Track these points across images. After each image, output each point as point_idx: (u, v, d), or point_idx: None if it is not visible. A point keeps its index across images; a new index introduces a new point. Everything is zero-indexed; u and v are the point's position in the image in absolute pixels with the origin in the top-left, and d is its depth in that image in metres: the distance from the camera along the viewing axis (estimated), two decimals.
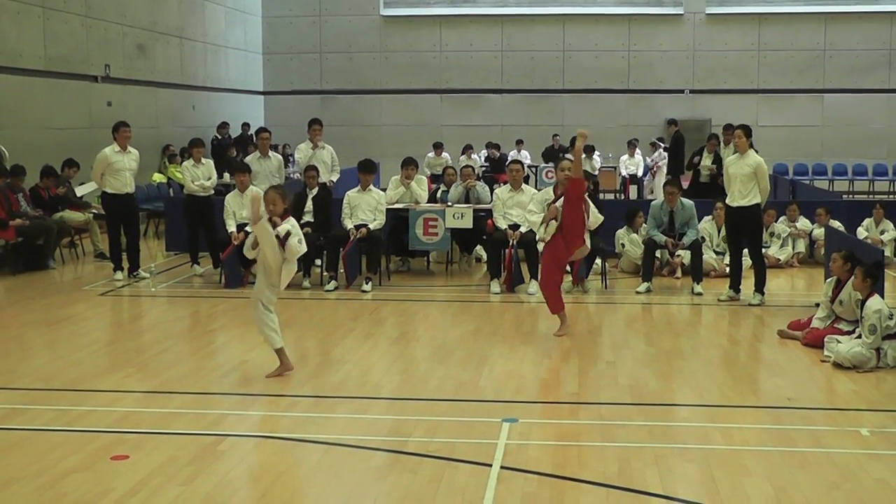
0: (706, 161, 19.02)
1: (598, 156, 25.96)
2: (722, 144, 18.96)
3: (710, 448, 7.29)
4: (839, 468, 6.82)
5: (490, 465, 6.84)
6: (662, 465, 6.87)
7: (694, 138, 22.60)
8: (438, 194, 16.22)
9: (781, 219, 16.29)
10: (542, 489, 6.45)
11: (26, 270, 15.35)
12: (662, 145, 24.86)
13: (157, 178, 22.35)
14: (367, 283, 13.85)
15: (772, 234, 15.89)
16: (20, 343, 10.96)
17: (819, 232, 15.87)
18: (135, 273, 14.73)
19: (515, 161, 14.99)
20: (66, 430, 7.73)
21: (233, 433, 7.64)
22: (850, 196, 26.81)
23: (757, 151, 13.13)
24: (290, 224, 9.05)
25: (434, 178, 24.60)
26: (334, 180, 15.94)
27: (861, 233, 15.87)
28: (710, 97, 30.21)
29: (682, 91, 30.40)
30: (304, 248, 9.10)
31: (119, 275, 14.63)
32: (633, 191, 25.73)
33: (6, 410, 8.28)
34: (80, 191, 17.36)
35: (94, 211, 16.84)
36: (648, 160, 25.79)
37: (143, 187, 20.38)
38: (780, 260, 15.73)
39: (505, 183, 14.96)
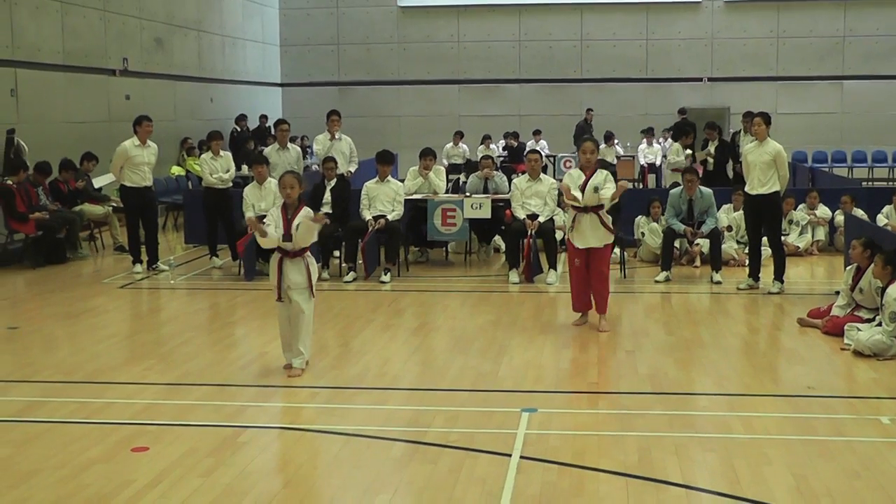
0: (710, 148, 18.95)
1: (618, 144, 25.95)
2: (742, 132, 18.89)
3: (730, 437, 7.28)
4: (860, 457, 6.79)
5: (510, 455, 6.84)
6: (682, 454, 6.86)
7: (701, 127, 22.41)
8: (459, 184, 16.19)
9: (801, 206, 16.22)
10: (562, 478, 6.45)
11: (47, 264, 15.41)
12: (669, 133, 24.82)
13: (176, 170, 22.39)
14: (385, 274, 13.86)
15: (790, 222, 15.82)
16: (41, 336, 11.00)
17: (841, 219, 15.80)
18: (154, 266, 14.78)
19: (533, 151, 14.95)
20: (87, 422, 7.76)
21: (253, 424, 7.67)
22: (870, 183, 26.68)
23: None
24: (301, 216, 8.98)
25: (452, 168, 24.63)
26: (352, 171, 15.95)
27: (881, 220, 15.75)
28: (728, 85, 30.08)
29: (700, 79, 30.26)
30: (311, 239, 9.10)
31: (138, 267, 14.67)
32: (651, 180, 25.66)
33: (27, 403, 8.33)
34: (97, 182, 17.40)
35: (113, 204, 16.89)
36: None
37: (161, 180, 20.43)
38: (799, 248, 15.66)
39: (523, 173, 14.93)
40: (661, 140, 26.20)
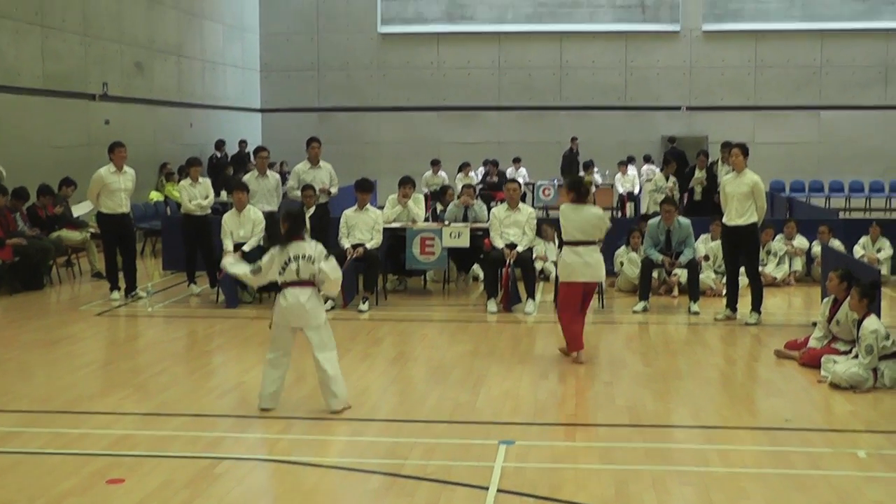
0: (698, 174, 19.05)
1: (597, 172, 26.02)
2: (720, 162, 19.01)
3: (707, 470, 7.29)
4: (836, 491, 6.81)
5: (487, 489, 6.83)
6: (660, 487, 6.86)
7: (690, 155, 22.56)
8: (438, 212, 16.20)
9: (778, 237, 16.28)
10: None
11: (24, 290, 15.31)
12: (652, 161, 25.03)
13: (155, 196, 22.31)
14: (364, 303, 13.84)
15: (768, 253, 15.89)
16: (17, 364, 10.93)
17: (818, 250, 15.88)
18: (132, 293, 14.72)
19: (512, 180, 14.98)
20: (62, 452, 7.71)
21: (229, 455, 7.63)
22: (847, 213, 26.83)
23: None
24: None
25: (432, 196, 24.61)
26: (334, 192, 15.84)
27: (857, 251, 15.87)
28: (706, 114, 30.27)
29: (678, 108, 30.45)
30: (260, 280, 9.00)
31: (116, 294, 14.61)
32: (630, 208, 25.72)
33: (2, 433, 8.26)
34: (75, 211, 17.33)
35: (91, 230, 16.82)
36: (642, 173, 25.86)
37: (140, 206, 20.37)
38: (776, 278, 15.73)
39: (502, 201, 14.96)
40: (634, 167, 26.24)
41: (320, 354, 8.79)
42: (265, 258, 8.76)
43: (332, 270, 8.71)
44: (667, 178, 19.17)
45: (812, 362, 10.28)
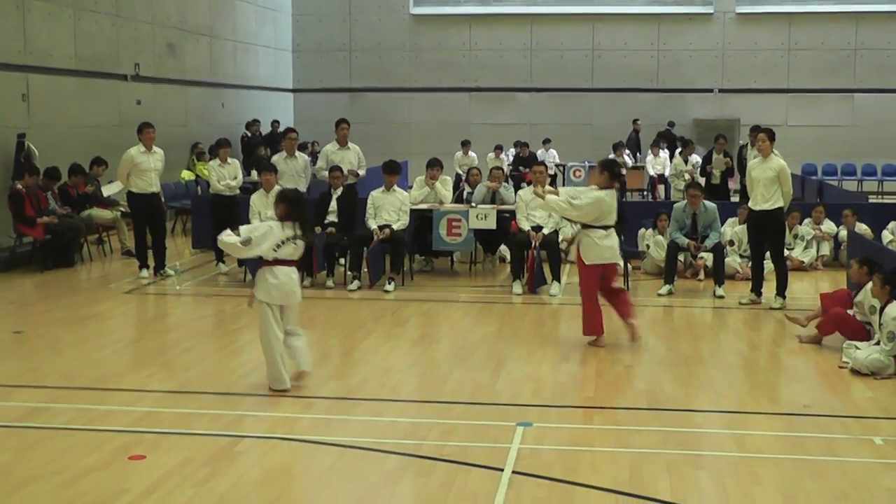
0: (716, 157, 19.05)
1: (628, 154, 25.96)
2: (748, 146, 18.98)
3: (722, 455, 7.33)
4: (850, 477, 6.84)
5: (502, 470, 6.90)
6: (674, 471, 6.90)
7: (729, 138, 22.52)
8: (464, 195, 16.26)
9: (806, 221, 16.22)
10: (553, 495, 6.50)
11: (55, 267, 15.52)
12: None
13: (186, 175, 22.51)
14: (390, 284, 13.93)
15: (795, 236, 15.84)
16: (46, 340, 11.11)
17: (845, 234, 15.81)
18: (160, 271, 14.87)
19: (540, 163, 15.00)
20: (87, 428, 7.86)
21: (250, 434, 7.74)
22: (880, 197, 26.64)
23: (776, 154, 13.12)
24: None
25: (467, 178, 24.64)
26: (361, 174, 15.91)
27: (886, 236, 15.75)
28: (739, 96, 30.08)
29: (711, 90, 30.29)
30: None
31: (145, 273, 14.78)
32: (661, 190, 25.64)
33: (30, 409, 8.42)
34: (106, 191, 17.52)
35: (121, 209, 16.99)
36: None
37: (171, 185, 20.54)
38: (804, 262, 15.68)
39: (531, 183, 14.97)
40: (666, 150, 26.16)
41: (292, 335, 9.01)
42: (258, 232, 8.85)
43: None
44: (685, 161, 19.19)
45: (832, 325, 10.47)
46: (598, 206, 10.58)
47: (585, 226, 10.75)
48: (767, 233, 12.75)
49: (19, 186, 15.48)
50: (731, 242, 15.15)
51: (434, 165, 15.63)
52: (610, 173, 10.83)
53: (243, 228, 8.99)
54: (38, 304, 13.44)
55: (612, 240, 10.79)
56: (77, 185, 16.98)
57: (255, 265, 13.83)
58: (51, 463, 7.04)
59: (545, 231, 13.82)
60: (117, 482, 6.66)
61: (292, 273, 8.89)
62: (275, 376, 8.91)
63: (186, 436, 7.68)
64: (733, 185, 20.29)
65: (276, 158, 15.70)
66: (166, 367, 9.91)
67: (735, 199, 19.28)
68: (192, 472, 6.85)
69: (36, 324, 12.01)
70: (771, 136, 12.73)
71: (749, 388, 9.28)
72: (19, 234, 15.62)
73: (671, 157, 22.38)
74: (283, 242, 8.80)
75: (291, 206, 8.96)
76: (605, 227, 10.70)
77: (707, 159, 20.24)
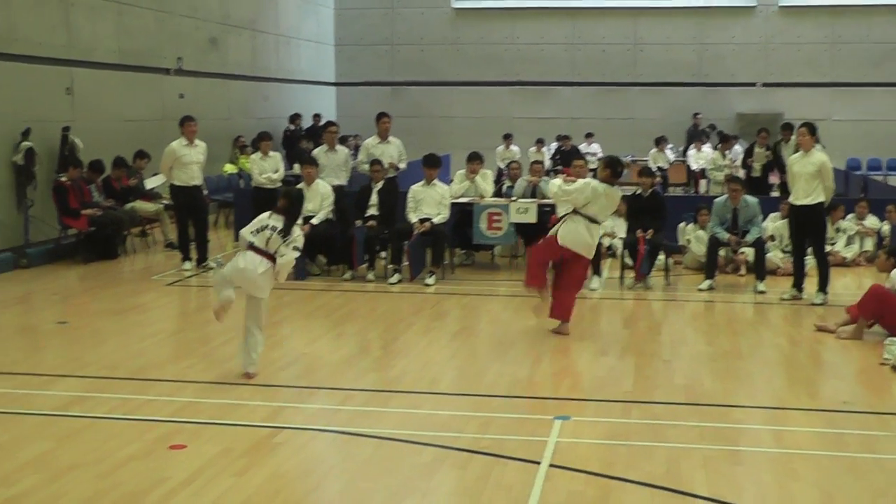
0: (758, 151, 18.95)
1: (670, 148, 25.85)
2: (782, 142, 18.94)
3: (760, 451, 7.31)
4: (889, 475, 6.80)
5: (539, 463, 6.91)
6: (711, 467, 6.88)
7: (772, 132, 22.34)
8: (504, 189, 16.26)
9: (850, 216, 16.08)
10: (589, 488, 6.51)
11: (98, 259, 15.67)
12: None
13: (229, 168, 22.63)
14: (430, 277, 13.96)
15: (838, 230, 15.70)
16: (89, 331, 11.25)
17: (888, 229, 15.67)
18: (203, 263, 14.99)
19: (581, 157, 14.99)
20: (128, 418, 7.95)
21: (288, 425, 7.80)
22: None
23: (824, 147, 13.03)
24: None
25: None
26: (402, 167, 15.97)
27: None
28: (782, 90, 29.80)
29: (753, 84, 30.06)
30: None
31: (187, 265, 14.90)
32: (702, 185, 25.50)
33: (72, 398, 8.53)
34: (149, 183, 17.65)
35: (164, 201, 17.12)
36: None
37: (213, 178, 20.66)
38: (846, 258, 15.55)
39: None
40: (710, 145, 26.02)
41: (251, 323, 9.17)
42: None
43: (286, 260, 9.07)
44: (723, 156, 19.14)
45: (872, 302, 10.53)
46: (585, 190, 10.71)
47: (576, 211, 10.77)
48: (809, 228, 12.66)
49: (63, 179, 15.64)
50: (772, 238, 15.05)
51: (475, 159, 15.66)
52: (612, 170, 10.92)
53: None
54: (81, 296, 13.59)
55: (594, 235, 10.82)
56: (120, 178, 17.13)
57: (298, 260, 14.00)
58: (92, 451, 7.13)
59: None
60: (157, 471, 6.74)
61: (260, 265, 8.96)
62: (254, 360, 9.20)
63: (226, 426, 7.75)
64: (774, 179, 20.17)
65: (316, 152, 15.77)
66: (207, 358, 9.99)
67: (775, 194, 19.18)
68: (230, 463, 6.91)
69: (79, 314, 12.15)
70: (812, 129, 12.63)
71: (788, 384, 9.23)
72: (64, 227, 15.79)
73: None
74: (262, 228, 9.03)
75: (286, 202, 9.20)
76: (593, 221, 10.76)
77: (749, 152, 20.14)
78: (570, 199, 10.75)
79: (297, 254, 9.22)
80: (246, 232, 9.13)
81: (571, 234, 10.72)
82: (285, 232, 9.03)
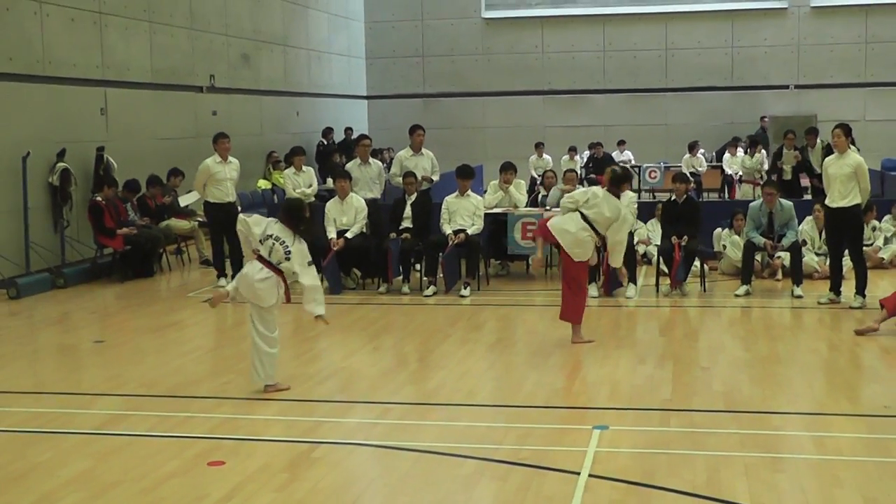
0: (787, 153, 18.89)
1: (703, 153, 25.73)
2: (807, 147, 18.88)
3: (802, 457, 7.24)
4: None
5: (578, 473, 6.87)
6: (752, 474, 6.82)
7: (798, 134, 22.24)
8: (539, 198, 16.24)
9: (886, 217, 15.94)
10: (629, 497, 6.47)
11: (135, 277, 15.78)
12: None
13: (262, 184, 22.75)
14: (465, 288, 13.95)
15: (874, 229, 15.56)
16: (128, 348, 11.32)
17: None
18: None
19: (613, 165, 14.93)
20: (167, 435, 7.97)
21: (327, 440, 7.80)
22: None
23: (859, 150, 12.92)
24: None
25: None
26: (435, 179, 15.99)
27: None
28: (816, 92, 29.63)
29: (787, 87, 29.89)
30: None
31: (223, 281, 14.92)
32: (737, 190, 25.34)
33: (111, 416, 8.58)
34: (183, 201, 17.76)
35: (199, 219, 17.22)
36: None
37: (247, 194, 20.78)
38: (883, 259, 15.40)
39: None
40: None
41: (257, 335, 9.09)
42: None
43: (304, 276, 9.01)
44: (751, 157, 19.13)
45: None
46: (586, 193, 10.95)
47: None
48: (845, 230, 12.55)
49: (99, 199, 15.76)
50: (804, 242, 14.94)
51: (508, 169, 15.65)
52: (611, 184, 10.97)
53: None
54: (118, 314, 13.69)
55: (580, 236, 10.73)
56: (155, 196, 17.25)
57: (332, 273, 14.06)
58: (132, 469, 7.16)
59: None
60: (197, 488, 6.76)
61: (259, 272, 8.91)
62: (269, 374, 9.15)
63: (264, 442, 7.77)
64: (805, 182, 20.06)
65: (350, 165, 15.81)
66: (244, 374, 9.96)
67: (808, 196, 19.08)
68: (270, 478, 6.92)
69: (117, 333, 12.24)
70: (847, 130, 12.52)
71: (828, 389, 9.15)
72: (100, 246, 15.91)
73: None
74: (268, 237, 8.96)
75: (284, 213, 9.13)
76: (589, 224, 10.78)
77: (778, 155, 20.03)
78: (572, 199, 10.90)
79: (316, 281, 9.20)
80: (255, 237, 9.05)
81: (560, 223, 10.81)
82: (286, 243, 8.98)
